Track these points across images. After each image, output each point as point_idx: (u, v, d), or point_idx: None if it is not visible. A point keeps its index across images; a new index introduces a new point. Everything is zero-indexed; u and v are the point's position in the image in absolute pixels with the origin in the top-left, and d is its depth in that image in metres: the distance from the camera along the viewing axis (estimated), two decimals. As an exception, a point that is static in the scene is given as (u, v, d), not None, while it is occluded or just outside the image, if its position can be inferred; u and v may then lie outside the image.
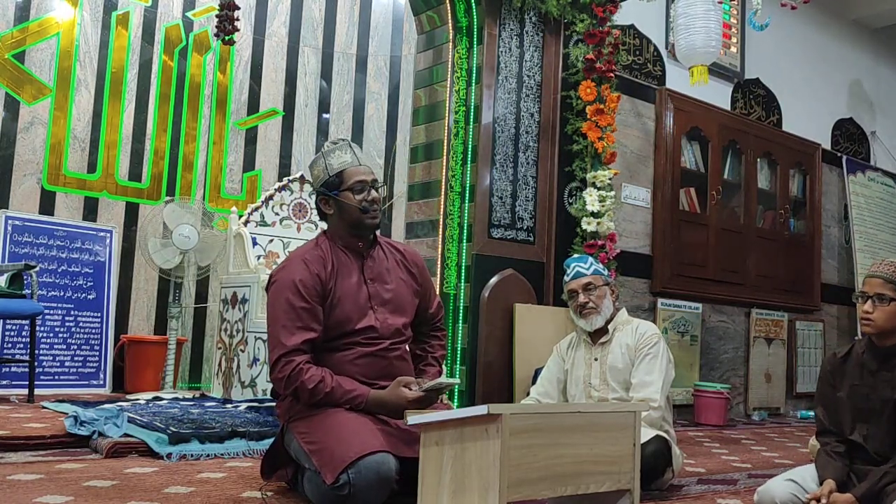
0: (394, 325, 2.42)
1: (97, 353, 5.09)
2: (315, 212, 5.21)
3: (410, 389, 2.25)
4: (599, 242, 4.73)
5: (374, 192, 2.40)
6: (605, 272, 3.10)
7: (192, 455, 2.98)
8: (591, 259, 3.11)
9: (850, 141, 7.36)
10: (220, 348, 4.87)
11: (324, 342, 2.34)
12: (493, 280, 4.55)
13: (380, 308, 2.41)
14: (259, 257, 4.93)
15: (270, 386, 4.29)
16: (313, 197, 2.49)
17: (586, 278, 3.00)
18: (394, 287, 2.46)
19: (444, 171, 4.74)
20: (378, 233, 2.55)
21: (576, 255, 3.87)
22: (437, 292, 4.49)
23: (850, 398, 2.29)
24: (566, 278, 3.07)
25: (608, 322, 3.01)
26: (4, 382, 4.67)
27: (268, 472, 2.47)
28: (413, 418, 2.09)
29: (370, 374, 2.36)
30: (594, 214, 4.76)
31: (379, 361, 2.38)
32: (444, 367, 2.61)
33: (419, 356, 2.60)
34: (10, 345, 4.80)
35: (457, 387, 4.40)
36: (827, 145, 7.04)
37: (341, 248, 2.44)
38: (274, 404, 3.96)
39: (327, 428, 2.21)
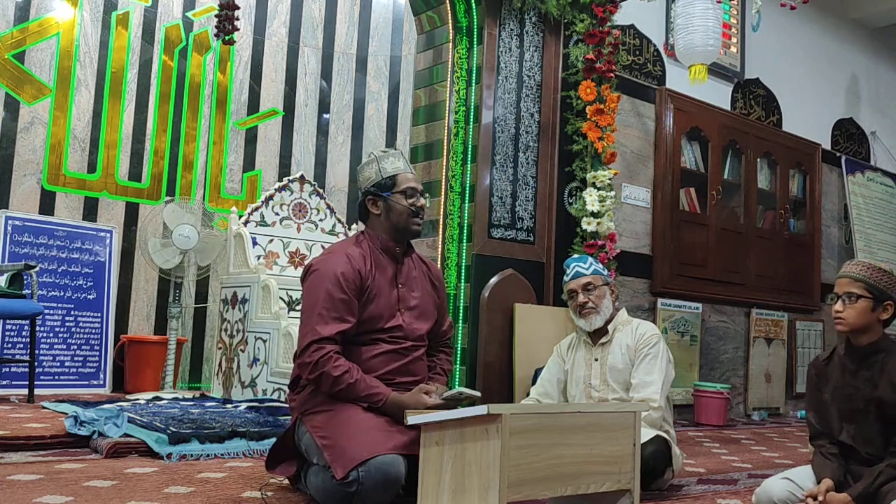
0: (418, 330, 2.50)
1: (97, 353, 5.09)
2: (316, 212, 5.23)
3: (430, 397, 2.28)
4: (599, 242, 4.73)
5: (422, 199, 2.51)
6: (605, 272, 3.10)
7: (192, 455, 2.98)
8: (590, 259, 3.11)
9: (850, 141, 7.36)
10: (220, 348, 4.87)
11: (352, 335, 2.39)
12: (493, 280, 4.55)
13: (406, 312, 2.49)
14: (259, 257, 4.93)
15: (271, 386, 4.30)
16: (360, 197, 2.58)
17: (586, 278, 3.00)
18: (419, 295, 2.54)
19: (444, 171, 4.74)
20: (414, 246, 2.64)
21: (575, 255, 3.87)
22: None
23: (835, 400, 2.31)
24: (566, 278, 3.07)
25: (608, 322, 3.01)
26: (4, 382, 4.67)
27: (272, 464, 2.49)
28: (413, 418, 2.09)
29: (389, 370, 2.41)
30: (594, 214, 4.75)
31: (399, 359, 2.44)
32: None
33: (427, 367, 2.64)
34: (10, 345, 4.80)
35: (456, 387, 4.40)
36: (827, 145, 7.04)
37: (380, 249, 2.51)
38: (273, 404, 3.98)
39: (342, 424, 2.24)
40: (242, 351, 4.58)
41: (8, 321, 4.72)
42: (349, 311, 2.36)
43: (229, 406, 4.09)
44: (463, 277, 4.57)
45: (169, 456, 2.92)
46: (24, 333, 4.78)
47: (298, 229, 5.15)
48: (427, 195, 2.63)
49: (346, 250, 2.46)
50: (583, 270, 3.02)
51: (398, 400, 2.28)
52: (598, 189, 4.79)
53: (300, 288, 4.68)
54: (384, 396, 2.29)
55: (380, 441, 2.16)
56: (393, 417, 2.27)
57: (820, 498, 2.11)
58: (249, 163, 5.90)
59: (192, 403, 4.19)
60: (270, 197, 5.10)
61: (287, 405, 2.94)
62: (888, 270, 2.29)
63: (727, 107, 6.22)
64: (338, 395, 2.29)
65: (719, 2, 4.98)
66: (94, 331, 5.11)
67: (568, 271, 3.07)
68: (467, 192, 4.63)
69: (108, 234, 5.25)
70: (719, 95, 6.15)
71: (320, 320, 2.32)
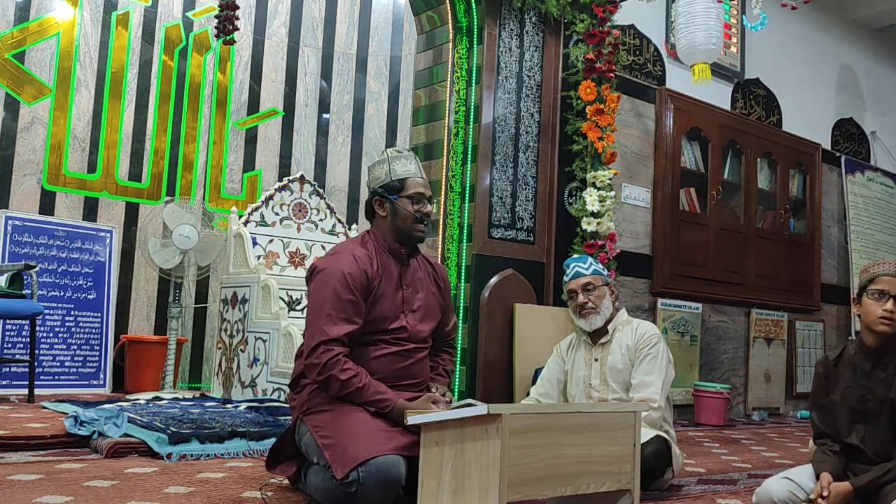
0: (421, 332, 2.49)
1: (97, 353, 5.09)
2: (316, 212, 5.23)
3: (438, 407, 2.28)
4: (599, 242, 4.73)
5: (428, 206, 2.50)
6: (605, 272, 3.10)
7: (192, 455, 2.98)
8: (590, 259, 3.10)
9: (850, 141, 7.36)
10: (220, 348, 4.87)
11: (357, 336, 2.39)
12: (493, 280, 4.55)
13: (410, 314, 2.48)
14: (259, 257, 4.93)
15: (271, 386, 4.30)
16: (368, 195, 2.57)
17: (585, 278, 3.00)
18: (424, 297, 2.54)
19: (444, 171, 4.74)
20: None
21: (575, 256, 3.87)
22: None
23: (845, 400, 2.29)
24: (565, 279, 3.07)
25: (608, 322, 3.01)
26: (4, 382, 4.67)
27: (272, 463, 2.49)
28: (413, 418, 2.09)
29: (391, 372, 2.40)
30: (594, 214, 4.75)
31: (402, 361, 2.43)
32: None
33: (430, 367, 2.63)
34: (10, 345, 4.80)
35: (456, 387, 4.40)
36: (827, 145, 7.04)
37: (385, 251, 2.50)
38: (273, 404, 3.98)
39: (343, 425, 2.24)
40: (242, 351, 4.58)
41: (8, 321, 4.72)
42: (357, 312, 2.35)
43: (229, 406, 4.09)
44: (463, 277, 4.57)
45: (169, 456, 2.92)
46: (24, 333, 4.78)
47: (298, 229, 5.15)
48: (434, 201, 2.61)
49: (353, 251, 2.44)
50: (582, 270, 3.02)
51: (405, 407, 2.27)
52: (598, 189, 4.79)
53: (300, 288, 4.71)
54: (391, 403, 2.28)
55: (381, 442, 2.16)
56: (399, 423, 2.26)
57: (824, 493, 2.11)
58: (249, 163, 5.90)
59: (192, 403, 4.19)
60: (270, 197, 5.10)
61: (287, 405, 2.94)
62: None
63: (727, 107, 6.22)
64: (345, 398, 2.29)
65: (720, 1, 4.98)
66: (94, 331, 5.11)
67: (568, 271, 3.07)
68: (467, 192, 4.63)
69: (108, 234, 5.25)
70: (719, 95, 6.15)
71: (329, 321, 2.30)
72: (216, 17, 4.55)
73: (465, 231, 4.60)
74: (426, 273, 2.60)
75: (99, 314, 5.15)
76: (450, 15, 4.81)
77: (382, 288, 2.43)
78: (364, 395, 2.27)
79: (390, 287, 2.45)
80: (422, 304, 2.52)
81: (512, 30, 4.81)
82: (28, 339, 4.40)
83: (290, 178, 5.24)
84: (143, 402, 4.17)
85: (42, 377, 4.76)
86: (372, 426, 2.22)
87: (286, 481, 2.56)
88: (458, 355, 4.52)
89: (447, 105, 4.79)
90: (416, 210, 2.46)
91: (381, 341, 2.41)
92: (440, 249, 4.66)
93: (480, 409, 1.88)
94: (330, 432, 2.25)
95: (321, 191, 5.34)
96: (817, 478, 2.22)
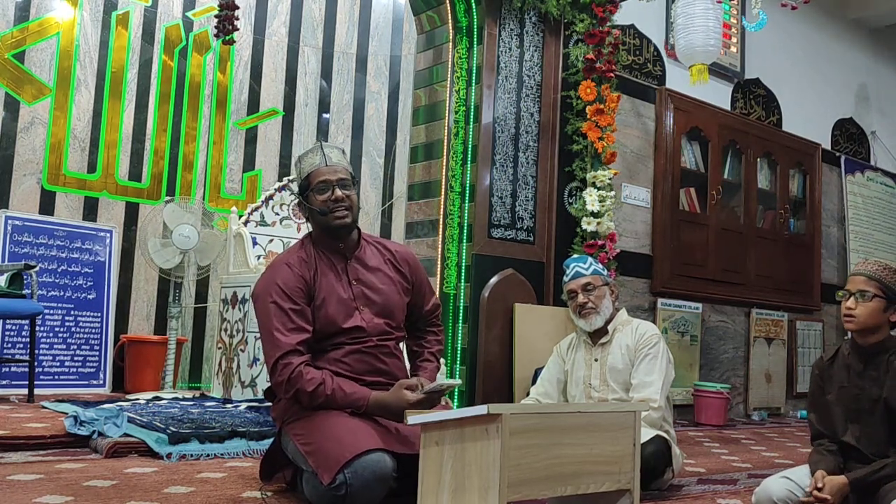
0: (380, 326, 2.41)
1: (97, 353, 5.09)
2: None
3: (412, 392, 2.24)
4: (599, 242, 4.73)
5: (338, 191, 2.36)
6: (605, 272, 3.10)
7: (192, 455, 2.98)
8: (590, 259, 3.10)
9: (850, 141, 7.36)
10: (220, 348, 4.87)
11: (314, 343, 2.34)
12: (493, 280, 4.55)
13: (365, 308, 2.40)
14: (259, 257, 4.93)
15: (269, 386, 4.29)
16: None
17: (585, 278, 3.00)
18: (380, 288, 2.44)
19: (444, 170, 4.74)
20: (361, 231, 2.52)
21: (575, 256, 3.87)
22: (435, 290, 4.50)
23: (840, 400, 2.30)
24: (565, 279, 3.06)
25: (608, 322, 3.01)
26: (4, 382, 4.67)
27: (266, 475, 2.47)
28: (413, 418, 2.09)
29: (359, 371, 2.35)
30: (594, 214, 4.75)
31: (367, 358, 2.37)
32: (442, 363, 2.58)
33: (415, 352, 2.59)
34: (10, 345, 4.80)
35: (457, 387, 4.40)
36: (827, 145, 7.05)
37: (322, 250, 2.43)
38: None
39: (322, 428, 2.20)
40: (242, 351, 4.58)
41: (8, 321, 4.72)
42: (304, 318, 2.30)
43: (229, 406, 4.09)
44: (463, 277, 4.57)
45: (169, 456, 2.91)
46: (24, 333, 4.78)
47: (298, 229, 5.15)
48: (353, 179, 2.42)
49: (286, 260, 2.38)
50: (582, 271, 3.02)
51: (379, 400, 2.23)
52: (598, 189, 4.79)
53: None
54: (365, 400, 2.24)
55: (361, 439, 2.12)
56: (377, 417, 2.24)
57: (819, 484, 2.12)
58: (249, 163, 5.89)
59: (191, 403, 4.19)
60: (270, 197, 5.10)
61: (271, 415, 2.91)
62: None
63: (727, 107, 6.22)
64: (318, 408, 2.25)
65: (719, 2, 4.98)
66: (94, 331, 5.11)
67: (567, 271, 3.06)
68: (467, 191, 4.63)
69: (108, 234, 5.25)
70: (719, 95, 6.15)
71: (278, 334, 2.25)
72: (216, 16, 4.54)
73: (465, 231, 4.60)
74: (382, 261, 2.50)
75: (99, 314, 5.15)
76: (450, 15, 4.81)
77: (326, 288, 2.36)
78: (335, 401, 2.23)
79: (335, 285, 2.38)
80: (377, 296, 2.42)
81: (512, 30, 4.81)
82: (28, 339, 4.39)
83: (290, 177, 5.24)
84: (142, 401, 4.17)
85: (42, 377, 4.76)
86: (351, 426, 2.18)
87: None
88: (458, 355, 4.53)
89: (447, 105, 4.79)
90: (324, 201, 2.35)
91: (340, 343, 2.35)
92: (440, 249, 4.67)
93: (480, 409, 1.88)
94: (310, 438, 2.21)
95: (321, 191, 5.33)
96: (812, 474, 2.22)
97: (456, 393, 4.46)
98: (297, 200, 2.45)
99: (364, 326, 2.37)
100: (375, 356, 2.39)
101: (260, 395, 4.34)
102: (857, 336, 2.29)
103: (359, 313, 2.38)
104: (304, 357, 2.27)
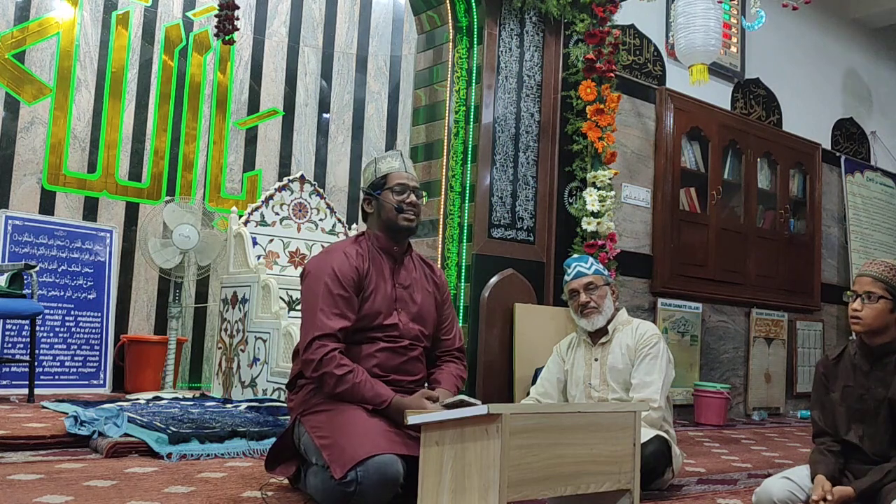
0: (414, 330, 2.49)
1: (97, 353, 5.09)
2: (316, 211, 5.23)
3: (433, 403, 2.27)
4: (599, 242, 4.73)
5: (412, 196, 2.49)
6: (606, 272, 3.11)
7: (192, 455, 2.98)
8: (591, 259, 3.11)
9: (850, 141, 7.36)
10: (220, 348, 4.87)
11: (351, 332, 2.39)
12: (493, 280, 4.55)
13: (403, 312, 2.49)
14: (259, 257, 4.93)
15: (271, 386, 4.30)
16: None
17: (588, 278, 3.00)
18: (419, 296, 2.54)
19: (444, 170, 4.74)
20: (411, 243, 2.63)
21: (576, 255, 3.86)
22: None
23: (844, 399, 2.30)
24: (567, 278, 3.06)
25: (608, 322, 3.01)
26: (4, 382, 4.67)
27: (272, 464, 2.49)
28: (413, 418, 2.09)
29: (386, 367, 2.41)
30: (594, 214, 4.75)
31: (396, 357, 2.44)
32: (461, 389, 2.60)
33: (435, 375, 2.58)
34: (10, 345, 4.80)
35: (481, 404, 4.38)
36: (827, 145, 7.05)
37: (377, 248, 2.52)
38: (273, 404, 3.98)
39: (340, 424, 2.24)
40: (242, 351, 4.58)
41: (8, 321, 4.72)
42: (349, 307, 2.37)
43: (229, 406, 4.09)
44: (463, 277, 4.57)
45: (169, 456, 2.91)
46: (24, 333, 4.78)
47: (298, 229, 5.15)
48: (424, 193, 2.61)
49: (344, 249, 2.47)
50: (584, 270, 3.02)
51: (401, 403, 2.27)
52: (598, 189, 4.79)
53: (300, 288, 4.69)
54: (388, 399, 2.28)
55: (378, 441, 2.16)
56: (395, 420, 2.26)
57: (828, 497, 2.11)
58: (249, 163, 5.90)
59: (192, 403, 4.19)
60: (270, 197, 5.10)
61: (287, 405, 2.93)
62: None
63: (727, 107, 6.22)
64: (341, 395, 2.28)
65: (720, 1, 4.98)
66: (94, 331, 5.11)
67: (569, 271, 3.06)
68: (467, 191, 4.63)
69: (109, 234, 5.25)
70: (719, 95, 6.15)
71: (322, 315, 2.32)
72: (216, 16, 4.54)
73: (465, 231, 4.60)
74: (423, 274, 2.61)
75: (99, 314, 5.15)
76: (450, 15, 4.81)
77: (374, 284, 2.44)
78: (360, 391, 2.27)
79: (383, 284, 2.46)
80: (416, 303, 2.52)
81: (512, 30, 4.81)
82: (28, 339, 4.40)
83: (290, 177, 5.24)
84: (143, 401, 4.17)
85: (42, 377, 4.76)
86: (370, 425, 2.22)
87: (286, 481, 2.56)
88: (458, 355, 4.52)
89: (447, 105, 4.79)
90: (399, 200, 2.47)
91: (374, 338, 2.42)
92: (440, 249, 4.66)
93: (480, 409, 1.88)
94: (328, 432, 2.25)
95: (321, 190, 5.34)
96: (812, 477, 2.22)
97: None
98: (365, 196, 2.55)
99: (400, 326, 2.46)
100: (404, 357, 2.46)
101: (260, 395, 4.34)
102: (864, 337, 2.28)
103: (397, 314, 2.47)
104: (341, 344, 2.33)
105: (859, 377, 2.28)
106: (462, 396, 2.32)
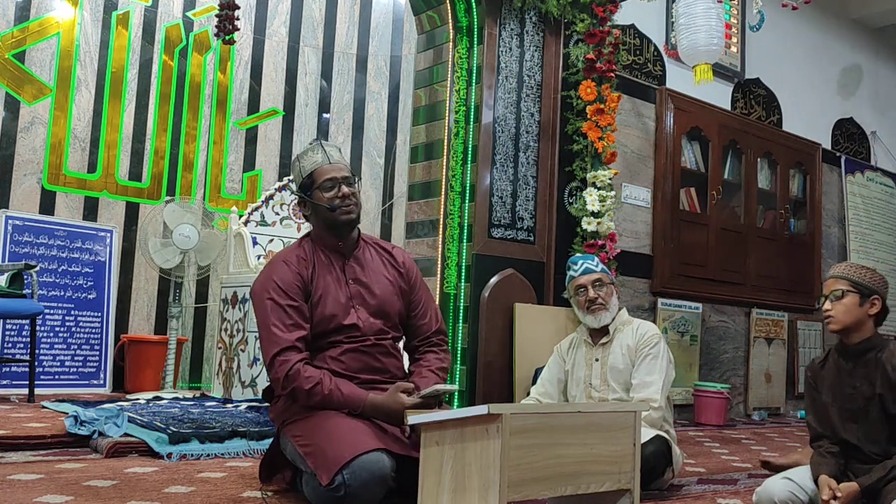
0: (376, 325, 2.41)
1: (97, 353, 5.09)
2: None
3: (409, 395, 2.24)
4: (599, 242, 4.73)
5: (344, 188, 2.38)
6: (609, 272, 3.13)
7: (192, 455, 2.98)
8: (596, 258, 3.12)
9: (851, 141, 7.36)
10: (220, 348, 4.87)
11: (311, 340, 2.34)
12: (494, 280, 4.55)
13: (360, 308, 2.41)
14: (259, 257, 4.93)
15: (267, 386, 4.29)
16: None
17: (596, 274, 3.00)
18: (377, 288, 2.45)
19: (444, 170, 4.74)
20: (361, 232, 2.53)
21: (578, 255, 3.86)
22: (436, 297, 4.48)
23: (834, 401, 2.32)
24: (574, 273, 3.04)
25: (611, 322, 3.01)
26: (4, 382, 4.67)
27: (266, 476, 2.47)
28: (413, 418, 2.09)
29: (355, 369, 2.36)
30: (594, 214, 4.75)
31: (363, 357, 2.38)
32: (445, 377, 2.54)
33: (415, 368, 2.52)
34: (10, 345, 4.80)
35: (455, 391, 4.40)
36: (827, 145, 7.05)
37: (322, 248, 2.45)
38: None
39: (321, 429, 2.20)
40: (243, 350, 4.58)
41: (8, 321, 4.72)
42: (301, 316, 2.31)
43: (229, 406, 4.09)
44: (463, 277, 4.57)
45: (169, 456, 2.91)
46: (24, 333, 4.78)
47: (299, 229, 5.15)
48: (357, 179, 2.44)
49: (284, 258, 2.40)
50: (592, 267, 3.02)
51: (376, 403, 2.23)
52: (599, 189, 4.79)
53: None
54: (362, 402, 2.24)
55: (360, 440, 2.12)
56: (374, 421, 2.23)
57: (838, 494, 2.12)
58: (249, 163, 5.89)
59: (192, 403, 4.19)
60: (271, 196, 5.10)
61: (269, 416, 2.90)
62: (871, 268, 2.33)
63: (727, 107, 6.22)
64: (314, 407, 2.25)
65: (720, 1, 4.98)
66: (94, 330, 5.11)
67: (576, 267, 3.05)
68: (467, 191, 4.63)
69: (109, 234, 5.25)
70: (719, 95, 6.15)
71: (276, 330, 2.26)
72: (216, 16, 4.55)
73: (465, 231, 4.60)
74: (381, 262, 2.51)
75: (99, 314, 5.15)
76: (450, 15, 4.81)
77: (322, 287, 2.37)
78: (331, 400, 2.23)
79: (332, 284, 2.38)
80: (374, 297, 2.43)
81: (512, 29, 4.81)
82: (28, 339, 4.39)
83: (290, 177, 5.24)
84: (143, 401, 4.17)
85: (42, 377, 4.76)
86: (349, 426, 2.18)
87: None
88: (458, 355, 4.52)
89: (447, 105, 4.79)
90: (332, 197, 2.37)
91: (336, 342, 2.35)
92: (440, 249, 4.66)
93: (480, 408, 1.88)
94: (309, 440, 2.21)
95: (321, 191, 5.33)
96: (815, 480, 2.22)
97: (456, 393, 4.45)
98: (298, 199, 2.46)
99: (360, 325, 2.38)
100: (372, 355, 2.39)
101: (260, 395, 4.34)
102: (843, 336, 2.32)
103: (355, 311, 2.39)
104: (303, 354, 2.27)
105: (844, 377, 2.31)
106: (437, 386, 2.30)
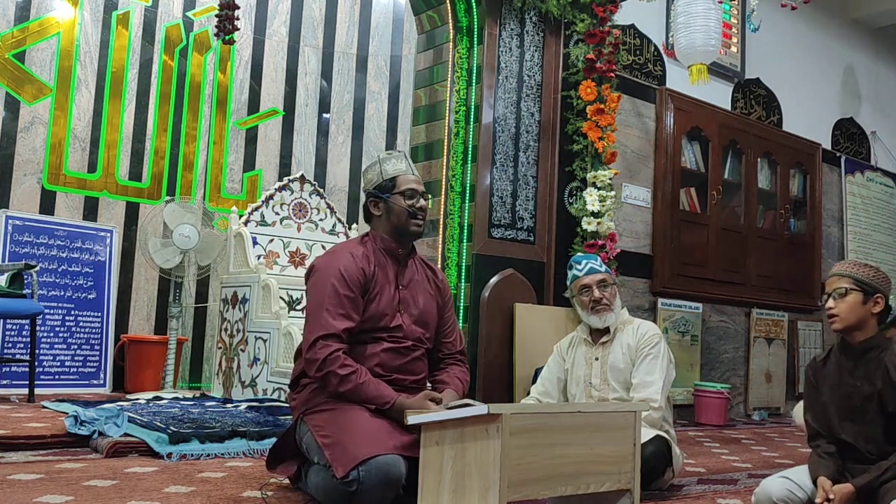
0: (417, 332, 2.50)
1: (97, 353, 5.09)
2: (316, 211, 5.23)
3: (436, 405, 2.28)
4: (599, 242, 4.73)
5: (422, 201, 2.52)
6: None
7: (192, 455, 2.98)
8: (598, 258, 3.12)
9: (851, 141, 7.36)
10: (220, 348, 4.87)
11: (355, 333, 2.39)
12: (494, 280, 4.55)
13: (406, 314, 2.49)
14: (259, 257, 4.93)
15: (271, 386, 4.30)
16: (363, 199, 2.63)
17: (601, 275, 3.00)
18: (421, 299, 2.55)
19: (444, 170, 4.74)
20: (415, 246, 2.65)
21: (579, 254, 3.86)
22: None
23: (834, 400, 2.32)
24: (578, 273, 3.04)
25: (609, 322, 3.01)
26: (5, 382, 4.67)
27: (273, 463, 2.49)
28: (413, 418, 2.09)
29: (388, 367, 2.42)
30: (594, 214, 4.75)
31: (399, 357, 2.45)
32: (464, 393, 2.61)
33: (438, 377, 2.59)
34: (10, 345, 4.80)
35: (487, 409, 4.38)
36: (827, 145, 7.04)
37: (382, 250, 2.53)
38: (274, 404, 3.98)
39: (343, 424, 2.24)
40: (243, 351, 4.59)
41: (8, 321, 4.72)
42: (354, 308, 2.38)
43: (229, 406, 4.09)
44: (463, 277, 4.57)
45: (169, 455, 2.92)
46: (24, 333, 4.78)
47: (299, 229, 5.15)
48: (430, 197, 2.64)
49: (350, 250, 2.48)
50: (597, 267, 3.03)
51: (404, 404, 2.27)
52: (599, 189, 4.79)
53: (300, 288, 4.71)
54: (391, 400, 2.28)
55: (381, 441, 2.16)
56: (398, 421, 2.26)
57: (830, 496, 2.12)
58: (249, 163, 5.90)
59: (192, 403, 4.19)
60: (271, 197, 5.10)
61: (287, 405, 2.93)
62: (874, 266, 2.33)
63: (727, 107, 6.22)
64: (344, 395, 2.29)
65: (720, 1, 4.98)
66: (94, 330, 5.11)
67: (579, 267, 3.05)
68: (467, 191, 4.63)
69: (109, 234, 5.26)
70: (719, 95, 6.15)
71: (327, 315, 2.33)
72: (216, 16, 4.55)
73: (466, 231, 4.60)
74: (425, 276, 2.62)
75: (99, 314, 5.15)
76: (450, 15, 4.81)
77: (379, 286, 2.45)
78: (363, 391, 2.27)
79: (387, 286, 2.47)
80: (419, 305, 2.53)
81: (512, 29, 4.81)
82: (28, 339, 4.39)
83: (291, 177, 5.24)
84: (143, 401, 4.17)
85: (42, 377, 4.76)
86: (372, 425, 2.22)
87: (286, 481, 2.56)
88: (459, 355, 4.52)
89: (447, 105, 4.79)
90: (410, 205, 2.48)
91: (378, 339, 2.43)
92: (440, 249, 4.66)
93: (481, 408, 1.88)
94: (330, 431, 2.25)
95: (321, 190, 5.34)
96: (813, 481, 2.22)
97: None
98: (371, 198, 2.55)
99: (404, 327, 2.47)
100: (407, 357, 2.47)
101: (260, 395, 4.34)
102: (845, 335, 2.31)
103: (400, 315, 2.48)
104: (343, 345, 2.33)
105: (845, 376, 2.30)
106: (467, 400, 2.32)
